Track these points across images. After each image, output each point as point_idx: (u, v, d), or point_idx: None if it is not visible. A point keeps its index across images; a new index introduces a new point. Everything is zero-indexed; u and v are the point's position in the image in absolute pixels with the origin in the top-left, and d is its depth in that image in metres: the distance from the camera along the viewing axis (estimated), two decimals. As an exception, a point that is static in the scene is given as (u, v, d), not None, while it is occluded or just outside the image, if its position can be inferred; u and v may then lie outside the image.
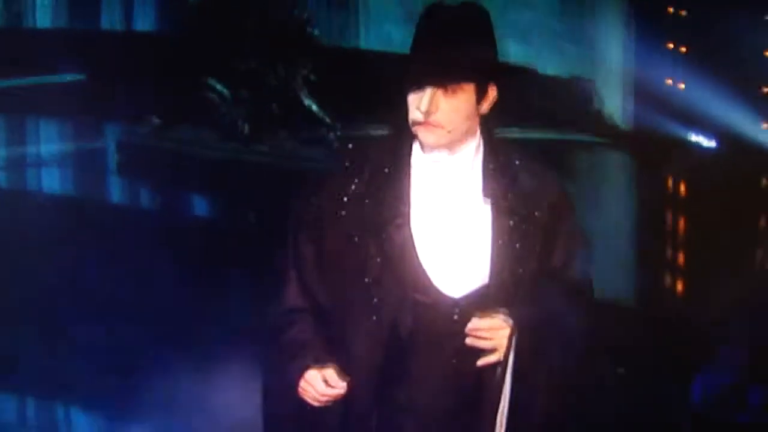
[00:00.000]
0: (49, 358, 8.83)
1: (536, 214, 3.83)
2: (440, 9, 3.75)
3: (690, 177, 12.07)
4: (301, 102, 11.14)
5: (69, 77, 13.21)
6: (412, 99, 3.69)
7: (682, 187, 12.21)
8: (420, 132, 3.68)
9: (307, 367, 3.82)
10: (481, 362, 3.81)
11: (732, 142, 11.49)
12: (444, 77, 3.66)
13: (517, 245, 3.80)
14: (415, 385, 3.87)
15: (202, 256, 10.10)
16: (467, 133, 3.76)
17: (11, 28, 14.13)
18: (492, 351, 3.78)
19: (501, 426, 3.88)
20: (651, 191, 12.11)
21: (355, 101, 10.91)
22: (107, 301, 9.35)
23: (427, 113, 3.63)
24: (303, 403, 3.79)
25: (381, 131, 11.57)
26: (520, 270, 3.82)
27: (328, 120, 11.00)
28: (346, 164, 3.90)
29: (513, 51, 12.37)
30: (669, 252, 10.49)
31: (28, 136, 13.07)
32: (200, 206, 11.87)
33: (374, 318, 3.82)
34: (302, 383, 3.83)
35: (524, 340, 3.78)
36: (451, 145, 3.74)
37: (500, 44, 11.79)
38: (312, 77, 11.12)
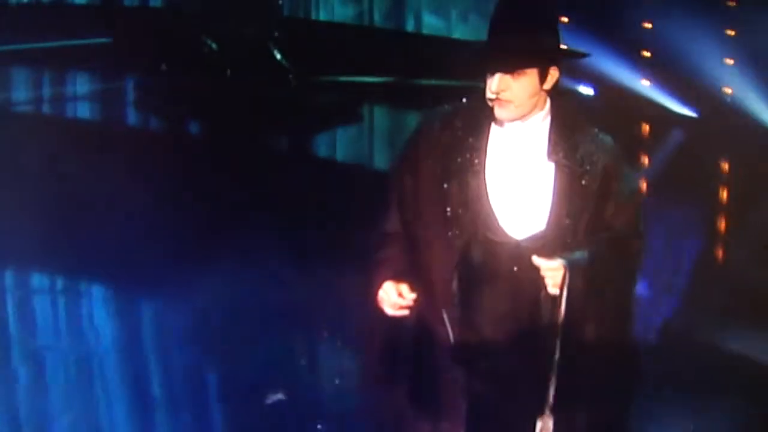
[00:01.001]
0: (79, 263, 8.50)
1: (592, 174, 3.79)
2: (511, 4, 3.78)
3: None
4: (270, 53, 11.02)
5: (99, 39, 12.63)
6: (488, 80, 3.71)
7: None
8: (494, 107, 3.71)
9: (386, 280, 3.80)
10: (543, 295, 3.75)
11: (616, 93, 11.19)
12: (510, 65, 3.65)
13: (574, 199, 3.78)
14: (480, 308, 3.83)
15: (196, 164, 9.76)
16: (535, 106, 3.74)
17: (56, 2, 13.54)
18: (552, 286, 3.70)
19: (557, 348, 3.78)
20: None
21: (307, 53, 11.15)
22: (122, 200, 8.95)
23: (497, 92, 3.65)
24: (382, 318, 3.74)
25: (326, 77, 11.02)
26: (575, 221, 3.79)
27: (288, 66, 10.88)
28: (441, 119, 3.90)
29: (429, 22, 12.83)
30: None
31: (68, 79, 12.63)
32: (194, 128, 11.62)
33: (451, 246, 3.81)
34: (380, 292, 3.80)
35: (575, 280, 3.70)
36: (521, 116, 3.74)
37: (418, 17, 11.73)
38: (277, 35, 11.05)
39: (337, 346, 7.47)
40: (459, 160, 3.78)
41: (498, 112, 3.69)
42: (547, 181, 3.79)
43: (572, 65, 11.05)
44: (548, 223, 3.78)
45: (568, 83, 11.25)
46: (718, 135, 10.57)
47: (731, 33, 10.59)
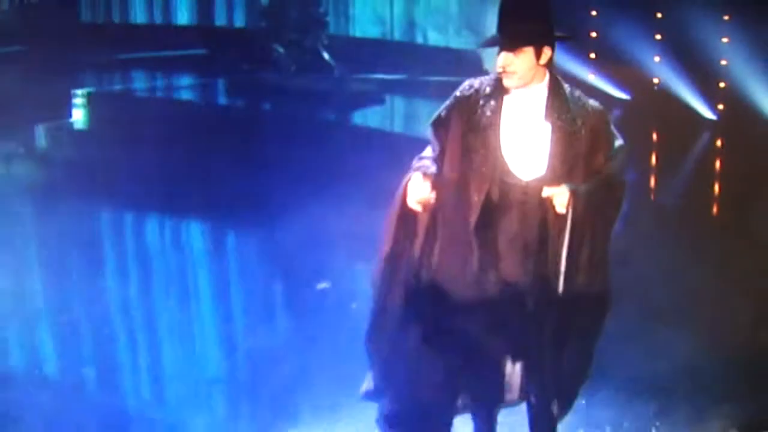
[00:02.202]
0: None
1: (582, 132, 3.65)
2: (513, 1, 3.65)
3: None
4: (321, 54, 11.27)
5: (199, 51, 13.08)
6: (497, 58, 3.60)
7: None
8: (502, 78, 3.59)
9: (415, 173, 3.64)
10: (546, 219, 3.64)
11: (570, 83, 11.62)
12: (511, 45, 3.54)
13: (567, 151, 3.66)
14: (497, 232, 3.70)
15: (269, 133, 9.66)
16: (535, 77, 3.60)
17: (167, 24, 13.79)
18: (559, 206, 3.58)
19: (562, 259, 3.71)
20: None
21: (347, 57, 11.22)
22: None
23: (503, 66, 3.53)
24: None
25: (360, 74, 10.98)
26: (568, 167, 3.67)
27: (333, 64, 11.16)
28: (467, 91, 3.77)
29: (433, 37, 12.60)
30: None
31: (175, 76, 12.89)
32: (269, 105, 11.54)
33: (476, 187, 3.70)
34: (409, 184, 3.64)
35: (578, 202, 3.59)
36: (523, 85, 3.60)
37: (425, 33, 11.48)
38: (326, 42, 11.36)
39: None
40: (481, 121, 3.65)
41: (505, 81, 3.56)
42: (546, 136, 3.65)
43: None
44: (547, 169, 3.64)
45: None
46: (648, 112, 10.56)
47: (659, 37, 10.50)
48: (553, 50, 3.56)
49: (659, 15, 10.60)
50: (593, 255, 3.72)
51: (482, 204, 3.68)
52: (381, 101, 10.89)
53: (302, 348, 5.62)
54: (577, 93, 3.67)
